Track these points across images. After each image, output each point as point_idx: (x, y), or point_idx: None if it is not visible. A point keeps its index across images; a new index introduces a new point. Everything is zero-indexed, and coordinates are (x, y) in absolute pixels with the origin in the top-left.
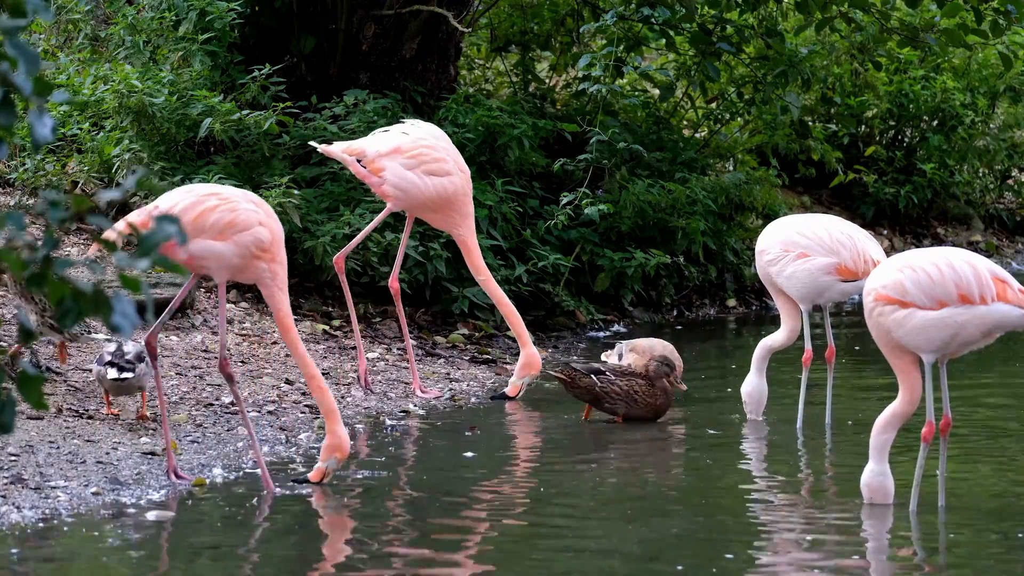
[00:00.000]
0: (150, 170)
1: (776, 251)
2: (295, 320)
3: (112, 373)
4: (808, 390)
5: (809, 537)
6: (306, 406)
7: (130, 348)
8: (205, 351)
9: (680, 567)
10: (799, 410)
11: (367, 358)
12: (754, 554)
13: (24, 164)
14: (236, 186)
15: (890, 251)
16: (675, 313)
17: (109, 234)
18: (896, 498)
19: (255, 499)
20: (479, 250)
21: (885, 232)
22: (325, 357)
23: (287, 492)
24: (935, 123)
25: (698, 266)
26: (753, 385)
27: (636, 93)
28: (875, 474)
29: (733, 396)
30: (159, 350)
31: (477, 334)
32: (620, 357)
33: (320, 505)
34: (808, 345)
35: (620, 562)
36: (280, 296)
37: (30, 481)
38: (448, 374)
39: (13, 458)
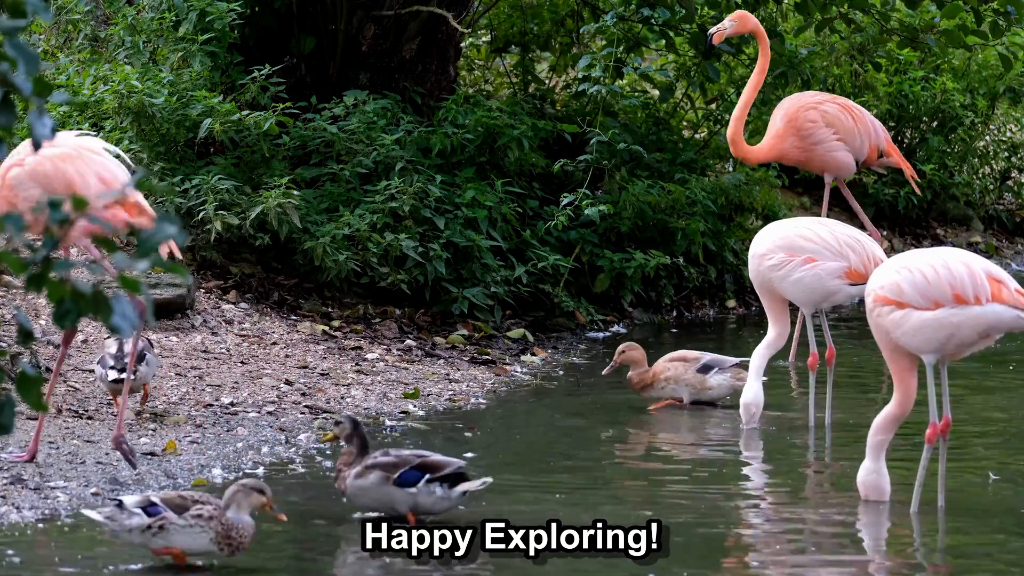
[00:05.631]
0: (150, 170)
1: (780, 256)
2: (294, 321)
3: (112, 375)
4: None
5: (811, 539)
6: (306, 407)
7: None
8: (205, 351)
9: (684, 571)
10: (810, 413)
11: (367, 358)
12: (755, 557)
13: None
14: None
15: (890, 252)
16: (675, 314)
17: None
18: (899, 497)
19: None
20: None
21: (885, 233)
22: (325, 358)
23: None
24: (935, 124)
25: (698, 267)
26: (754, 393)
27: (636, 94)
28: (869, 472)
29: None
30: (158, 350)
31: (477, 335)
32: None
33: (320, 506)
34: (813, 348)
35: (623, 563)
36: None
37: (30, 481)
38: (448, 375)
39: None
